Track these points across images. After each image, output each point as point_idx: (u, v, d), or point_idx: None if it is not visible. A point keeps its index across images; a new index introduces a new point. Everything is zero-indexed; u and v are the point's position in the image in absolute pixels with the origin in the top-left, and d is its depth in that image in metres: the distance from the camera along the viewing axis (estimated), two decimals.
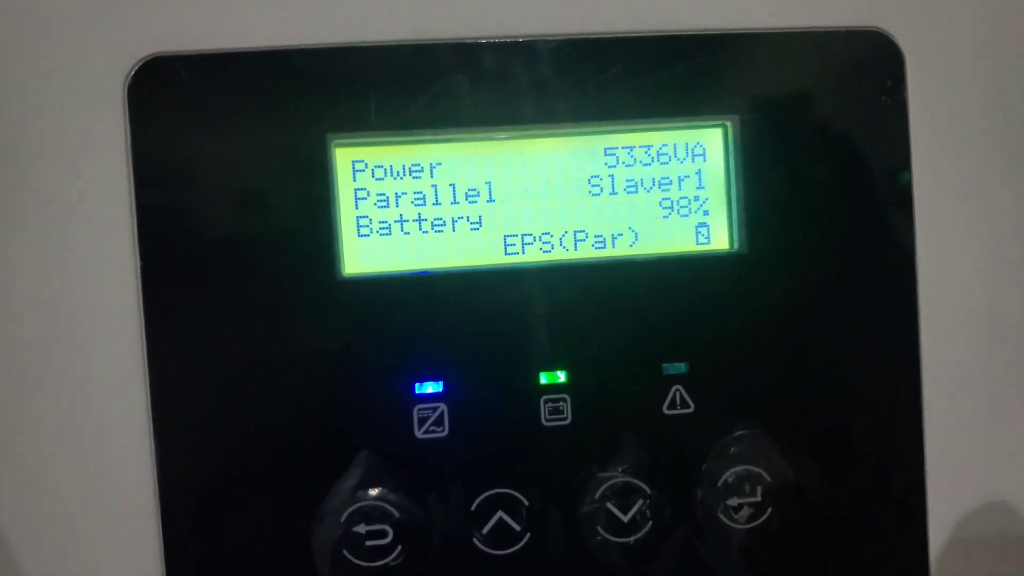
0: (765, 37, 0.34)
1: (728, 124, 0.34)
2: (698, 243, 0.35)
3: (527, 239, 0.34)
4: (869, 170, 0.35)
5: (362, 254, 0.33)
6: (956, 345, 0.36)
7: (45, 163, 0.32)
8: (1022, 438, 0.36)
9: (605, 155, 0.34)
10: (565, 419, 0.34)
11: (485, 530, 0.34)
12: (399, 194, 0.34)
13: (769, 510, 0.34)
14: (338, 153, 0.33)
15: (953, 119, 0.35)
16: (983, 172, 0.35)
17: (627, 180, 0.34)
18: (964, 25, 0.35)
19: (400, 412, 0.33)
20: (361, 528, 0.33)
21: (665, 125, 0.34)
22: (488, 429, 0.34)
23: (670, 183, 0.35)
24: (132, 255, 0.32)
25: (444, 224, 0.34)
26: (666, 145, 0.35)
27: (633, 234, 0.35)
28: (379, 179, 0.34)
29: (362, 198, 0.33)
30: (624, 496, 0.34)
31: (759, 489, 0.34)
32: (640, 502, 0.34)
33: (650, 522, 0.34)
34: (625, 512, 0.34)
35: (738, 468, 0.34)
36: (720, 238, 0.35)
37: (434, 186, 0.34)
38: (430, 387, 0.33)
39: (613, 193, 0.34)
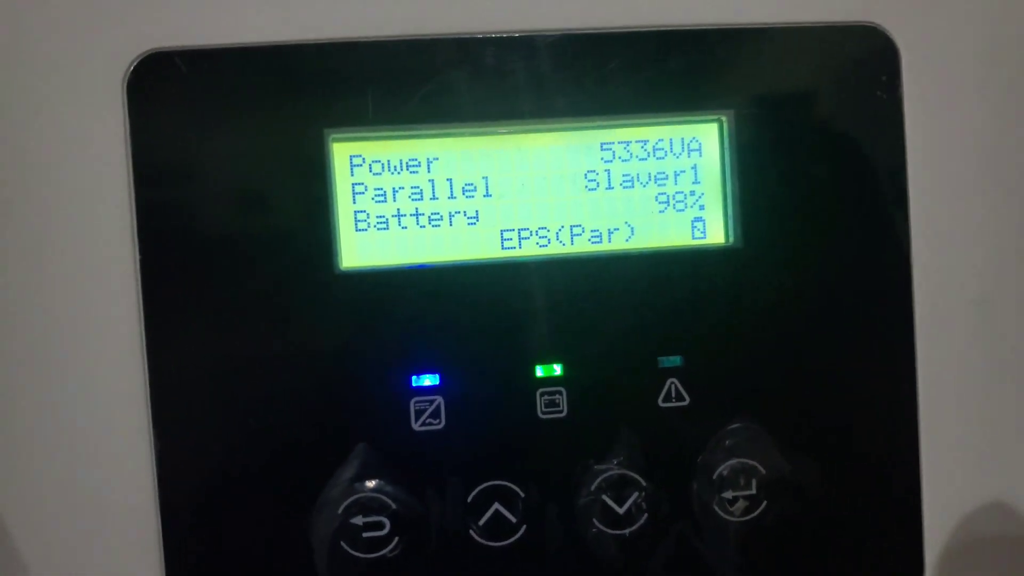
0: (760, 32, 0.34)
1: (723, 119, 0.34)
2: (694, 237, 0.35)
3: (524, 233, 0.34)
4: (864, 165, 0.35)
5: (360, 248, 0.34)
6: (951, 338, 0.36)
7: (44, 159, 0.32)
8: (1017, 432, 0.36)
9: (601, 150, 0.35)
10: (561, 412, 0.34)
11: (481, 522, 0.34)
12: (396, 189, 0.34)
13: (764, 503, 0.35)
14: (336, 148, 0.33)
15: (948, 114, 0.35)
16: (978, 167, 0.36)
17: (623, 175, 0.35)
18: (959, 20, 0.35)
19: (397, 405, 0.33)
20: (358, 520, 0.33)
21: (661, 120, 0.35)
22: (484, 422, 0.34)
23: (666, 178, 0.35)
24: (131, 250, 0.32)
25: (441, 218, 0.34)
26: (662, 140, 0.35)
27: (629, 228, 0.35)
28: (376, 174, 0.34)
29: (360, 193, 0.34)
30: (620, 488, 0.34)
31: (754, 482, 0.34)
32: (635, 494, 0.34)
33: (645, 514, 0.34)
34: (621, 504, 0.34)
35: (733, 461, 0.34)
36: (716, 232, 0.35)
37: (431, 181, 0.34)
38: (427, 380, 0.34)
39: (609, 188, 0.35)
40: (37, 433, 0.33)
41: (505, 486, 0.34)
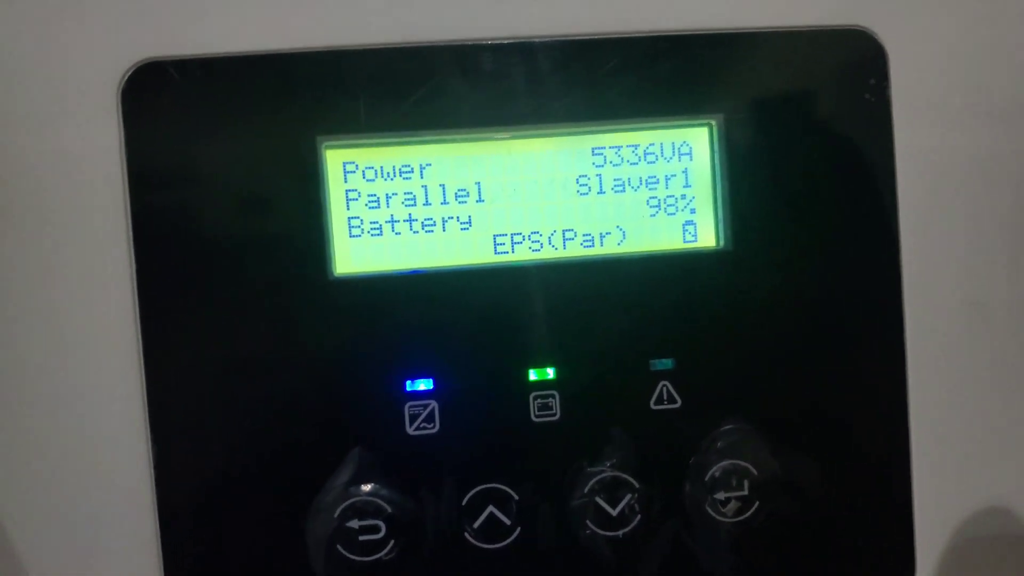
0: (750, 37, 0.35)
1: (713, 123, 0.35)
2: (685, 241, 0.35)
3: (516, 238, 0.35)
4: (854, 168, 0.35)
5: (353, 254, 0.34)
6: (941, 340, 0.36)
7: (40, 167, 0.32)
8: (1007, 433, 0.37)
9: (593, 155, 0.35)
10: (554, 415, 0.34)
11: (476, 524, 0.34)
12: (389, 195, 0.34)
13: (756, 504, 0.35)
14: (329, 155, 0.34)
15: (936, 117, 0.35)
16: (966, 169, 0.36)
17: (614, 179, 0.35)
18: (947, 24, 0.35)
19: (391, 409, 0.34)
20: (354, 523, 0.33)
21: (652, 124, 0.35)
22: (478, 425, 0.34)
23: (657, 182, 0.35)
24: (127, 257, 0.33)
25: (434, 224, 0.34)
26: (653, 144, 0.35)
27: (621, 232, 0.35)
28: (370, 180, 0.34)
29: (353, 199, 0.34)
30: (613, 490, 0.34)
31: (746, 483, 0.35)
32: (628, 496, 0.34)
33: (639, 516, 0.34)
34: (614, 506, 0.34)
35: (725, 462, 0.35)
36: (707, 236, 0.35)
37: (424, 186, 0.34)
38: (421, 385, 0.34)
39: (601, 192, 0.35)
40: (35, 435, 0.33)
41: (499, 489, 0.34)
